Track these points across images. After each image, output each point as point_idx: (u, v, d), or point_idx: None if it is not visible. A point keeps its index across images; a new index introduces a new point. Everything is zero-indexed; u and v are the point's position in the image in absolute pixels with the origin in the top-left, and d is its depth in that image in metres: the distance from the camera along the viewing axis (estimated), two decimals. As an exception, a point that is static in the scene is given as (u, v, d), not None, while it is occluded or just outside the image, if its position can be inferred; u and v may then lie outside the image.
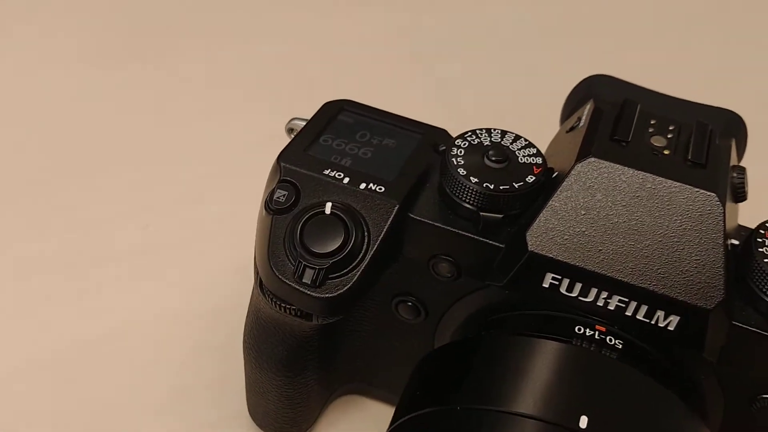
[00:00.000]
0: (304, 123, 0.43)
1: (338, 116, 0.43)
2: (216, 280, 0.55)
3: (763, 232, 0.36)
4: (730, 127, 0.41)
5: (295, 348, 0.40)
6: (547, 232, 0.35)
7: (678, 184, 0.35)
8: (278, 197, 0.38)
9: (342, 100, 0.44)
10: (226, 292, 0.53)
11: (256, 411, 0.46)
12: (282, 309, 0.37)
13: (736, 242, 0.36)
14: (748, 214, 0.40)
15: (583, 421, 0.30)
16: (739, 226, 0.38)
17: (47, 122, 0.68)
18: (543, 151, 0.40)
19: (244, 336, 0.43)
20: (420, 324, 0.42)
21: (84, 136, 0.67)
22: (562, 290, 0.35)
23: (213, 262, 0.56)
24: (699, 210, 0.34)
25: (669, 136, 0.38)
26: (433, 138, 0.42)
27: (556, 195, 0.36)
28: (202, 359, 0.51)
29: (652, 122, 0.38)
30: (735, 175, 0.37)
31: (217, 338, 0.51)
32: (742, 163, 0.44)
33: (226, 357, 0.49)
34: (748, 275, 0.35)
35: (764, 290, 0.34)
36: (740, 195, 0.38)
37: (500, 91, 0.75)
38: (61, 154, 0.65)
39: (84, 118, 0.69)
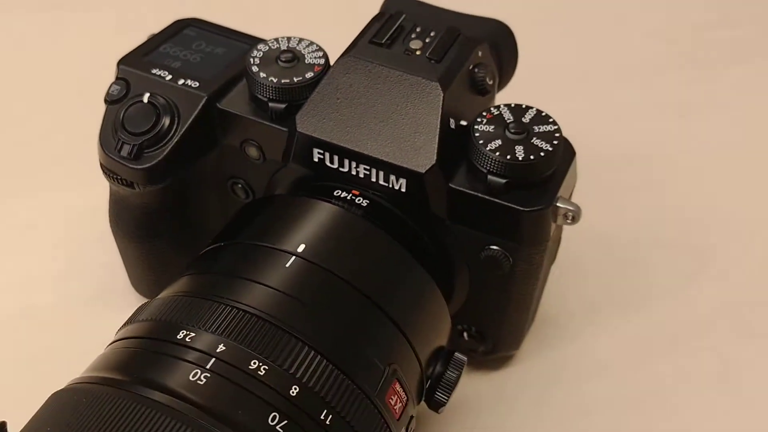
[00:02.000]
0: (154, 36, 0.52)
1: (184, 30, 0.52)
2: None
3: (485, 114, 0.44)
4: (492, 34, 0.49)
5: (138, 216, 0.50)
6: (311, 117, 0.44)
7: (409, 75, 0.43)
8: (112, 91, 0.47)
9: (191, 18, 0.54)
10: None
11: (131, 277, 0.56)
12: (113, 180, 0.47)
13: (465, 123, 0.45)
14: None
15: (301, 247, 0.39)
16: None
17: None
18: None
19: (108, 211, 0.53)
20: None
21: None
22: (327, 163, 0.45)
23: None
24: (422, 95, 0.43)
25: (427, 40, 0.46)
26: (259, 47, 0.51)
27: (319, 86, 0.45)
28: (100, 244, 0.62)
29: (417, 29, 0.47)
30: (476, 70, 0.46)
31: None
32: (521, 67, 0.52)
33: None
34: (469, 149, 0.43)
35: (477, 160, 0.43)
36: (481, 88, 0.46)
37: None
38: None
39: None
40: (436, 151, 0.42)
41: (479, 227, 0.44)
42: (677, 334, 0.59)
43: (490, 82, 0.46)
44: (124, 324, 0.39)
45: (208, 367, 0.33)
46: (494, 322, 0.49)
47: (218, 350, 0.34)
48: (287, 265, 0.39)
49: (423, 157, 0.42)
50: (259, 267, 0.39)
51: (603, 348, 0.58)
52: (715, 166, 0.72)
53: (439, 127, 0.42)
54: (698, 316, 0.60)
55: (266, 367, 0.33)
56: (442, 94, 0.42)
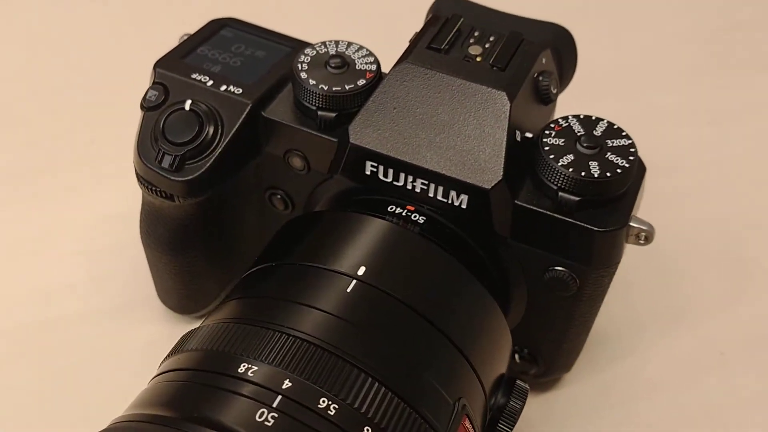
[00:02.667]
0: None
1: (220, 31, 0.49)
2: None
3: (552, 125, 0.41)
4: (553, 39, 0.46)
5: (174, 229, 0.47)
6: (365, 127, 0.41)
7: (474, 84, 0.40)
8: (150, 96, 0.44)
9: (227, 18, 0.51)
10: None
11: (159, 289, 0.53)
12: (150, 191, 0.44)
13: (530, 135, 0.42)
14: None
15: (361, 270, 0.36)
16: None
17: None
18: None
19: (140, 222, 0.50)
20: (291, 214, 0.49)
21: (32, 60, 0.75)
22: (380, 176, 0.42)
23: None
24: (489, 105, 0.40)
25: (486, 45, 0.43)
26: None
27: (374, 95, 0.42)
28: (124, 253, 0.59)
29: (475, 34, 0.44)
30: (540, 78, 0.43)
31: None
32: (580, 71, 0.50)
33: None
34: (536, 164, 0.41)
35: (546, 176, 0.40)
36: (545, 97, 0.43)
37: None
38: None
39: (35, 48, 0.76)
40: (502, 166, 0.39)
41: (545, 247, 0.41)
42: (727, 350, 0.57)
43: (554, 91, 0.44)
44: (169, 354, 0.36)
45: (274, 405, 0.30)
46: (550, 345, 0.47)
47: (284, 386, 0.31)
48: (348, 290, 0.36)
49: (488, 172, 0.39)
50: (317, 291, 0.36)
51: (652, 366, 0.56)
52: (756, 173, 0.70)
53: (505, 140, 0.39)
54: (747, 331, 0.58)
55: (336, 406, 0.31)
56: (509, 105, 0.40)
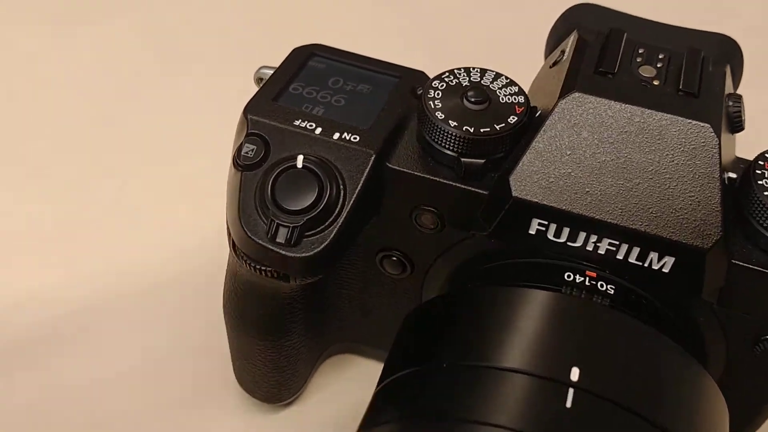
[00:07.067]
0: (272, 72, 0.40)
1: (308, 62, 0.41)
2: (194, 242, 0.53)
3: (762, 163, 0.33)
4: (725, 53, 0.38)
5: (276, 311, 0.38)
6: (531, 176, 0.33)
7: (669, 116, 0.32)
8: (246, 152, 0.35)
9: (312, 45, 0.42)
10: (206, 254, 0.51)
11: (242, 377, 0.44)
12: (258, 271, 0.35)
13: (733, 175, 0.34)
14: (744, 146, 0.38)
15: (575, 373, 0.28)
16: (737, 158, 0.36)
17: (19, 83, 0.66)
18: (526, 90, 0.38)
19: (224, 301, 0.41)
20: (407, 279, 0.40)
21: (61, 99, 0.65)
22: (550, 236, 0.33)
23: (190, 223, 0.54)
24: (692, 143, 0.32)
25: (659, 65, 0.35)
26: (411, 81, 0.40)
27: (539, 135, 0.33)
28: (182, 325, 0.49)
29: (640, 51, 0.36)
30: (731, 103, 0.35)
31: (198, 303, 0.50)
32: (739, 91, 0.42)
33: (208, 322, 0.47)
34: (747, 210, 0.33)
35: (765, 225, 0.32)
36: (737, 125, 0.35)
37: (480, 27, 0.72)
38: (36, 116, 0.63)
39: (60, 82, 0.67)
40: (720, 219, 0.31)
41: (760, 313, 0.33)
42: None
43: (743, 117, 0.36)
44: None
45: None
46: (739, 419, 0.39)
47: None
48: (568, 404, 0.27)
49: (705, 227, 0.31)
50: (517, 407, 0.27)
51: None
52: None
53: (719, 184, 0.31)
54: None
55: None
56: (718, 140, 0.32)
